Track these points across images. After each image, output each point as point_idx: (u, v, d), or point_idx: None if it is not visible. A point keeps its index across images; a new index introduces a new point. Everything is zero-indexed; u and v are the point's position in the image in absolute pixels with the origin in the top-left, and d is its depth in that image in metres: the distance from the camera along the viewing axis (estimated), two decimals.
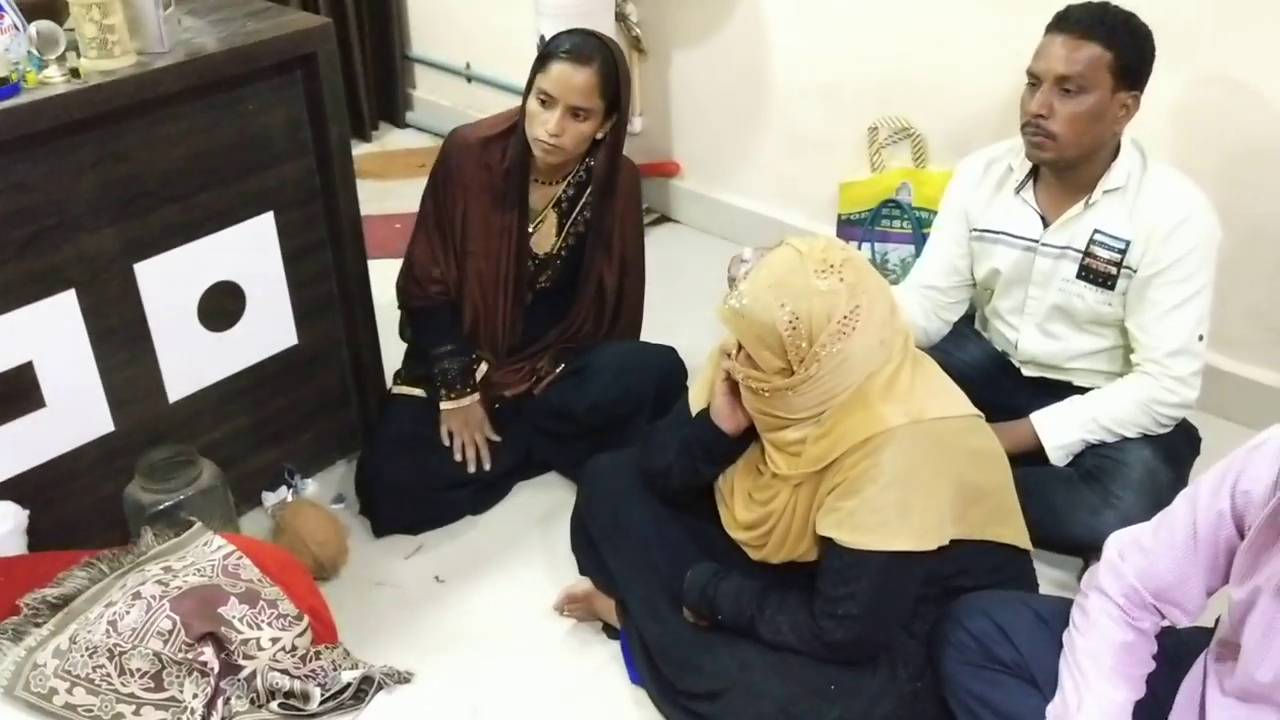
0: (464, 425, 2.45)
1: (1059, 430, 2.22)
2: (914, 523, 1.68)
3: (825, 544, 1.74)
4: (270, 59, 2.14)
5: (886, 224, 3.12)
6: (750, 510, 1.86)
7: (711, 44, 3.41)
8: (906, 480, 1.67)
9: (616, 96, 2.27)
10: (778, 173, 3.42)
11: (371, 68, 4.35)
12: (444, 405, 2.45)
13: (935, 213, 2.49)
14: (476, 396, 2.47)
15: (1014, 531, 1.89)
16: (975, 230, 2.33)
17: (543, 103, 2.23)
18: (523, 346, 2.55)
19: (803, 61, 3.22)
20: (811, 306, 1.66)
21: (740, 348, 1.75)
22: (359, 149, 4.36)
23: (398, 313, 2.58)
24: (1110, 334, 2.25)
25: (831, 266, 1.67)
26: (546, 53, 2.24)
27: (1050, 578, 2.20)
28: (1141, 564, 1.57)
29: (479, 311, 2.47)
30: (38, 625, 1.78)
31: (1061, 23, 2.08)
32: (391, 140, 4.44)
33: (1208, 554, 1.51)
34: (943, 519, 1.71)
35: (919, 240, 3.02)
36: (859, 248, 3.15)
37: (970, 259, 2.37)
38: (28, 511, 2.03)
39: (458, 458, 2.44)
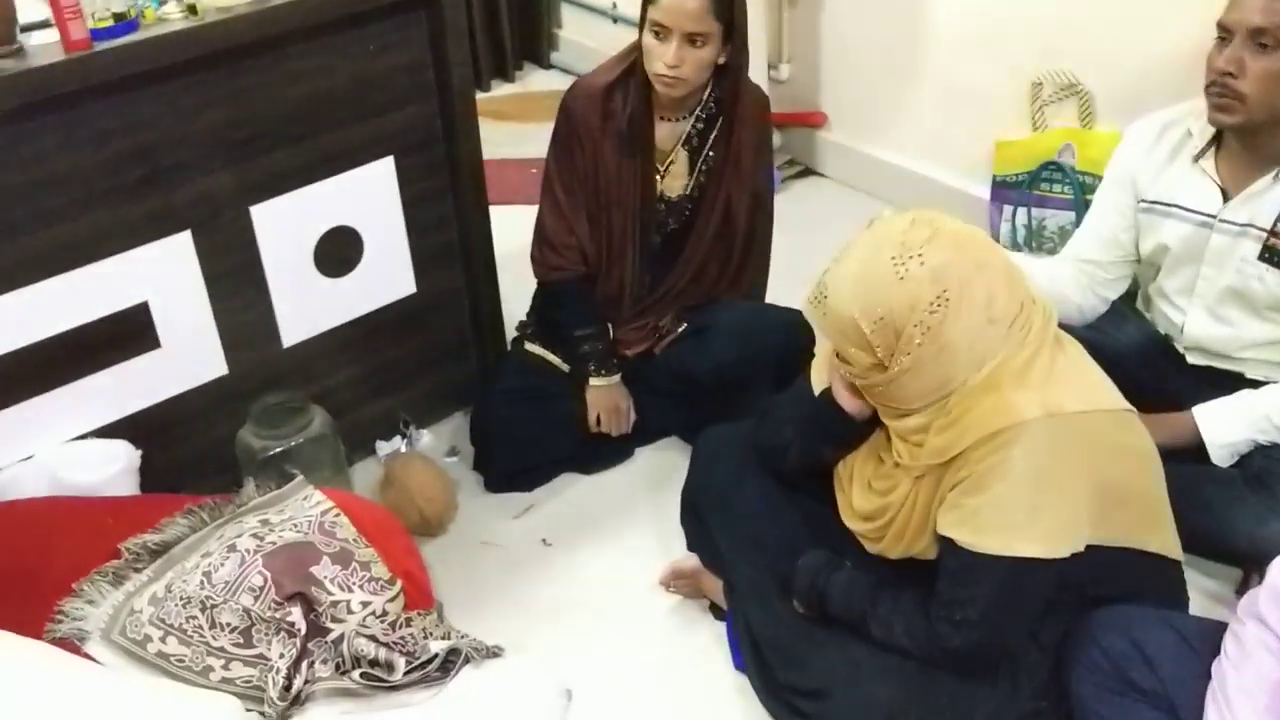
0: (612, 407, 2.39)
1: (1225, 427, 2.00)
2: (1043, 526, 1.53)
3: (946, 543, 1.60)
4: None
5: (1046, 188, 2.89)
6: (869, 500, 1.73)
7: None
8: (1038, 479, 1.52)
9: (731, 16, 2.14)
10: (929, 127, 3.22)
11: (516, 5, 4.26)
12: (593, 382, 2.38)
13: (1100, 178, 2.28)
14: (619, 376, 2.40)
15: (1162, 539, 1.71)
16: (1144, 201, 2.12)
17: (657, 35, 2.12)
18: (649, 295, 2.44)
19: (962, 9, 3.00)
20: (890, 298, 1.51)
21: None
22: (500, 89, 4.31)
23: (521, 262, 2.50)
24: None
25: (910, 252, 1.51)
26: None
27: (1203, 588, 2.00)
28: None
29: (608, 262, 2.38)
30: (137, 570, 1.78)
31: None
32: (534, 81, 4.37)
33: None
34: (1077, 523, 1.55)
35: (1080, 207, 2.79)
36: (1014, 212, 2.93)
37: (1135, 232, 2.16)
38: (140, 451, 2.04)
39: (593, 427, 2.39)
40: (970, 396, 1.54)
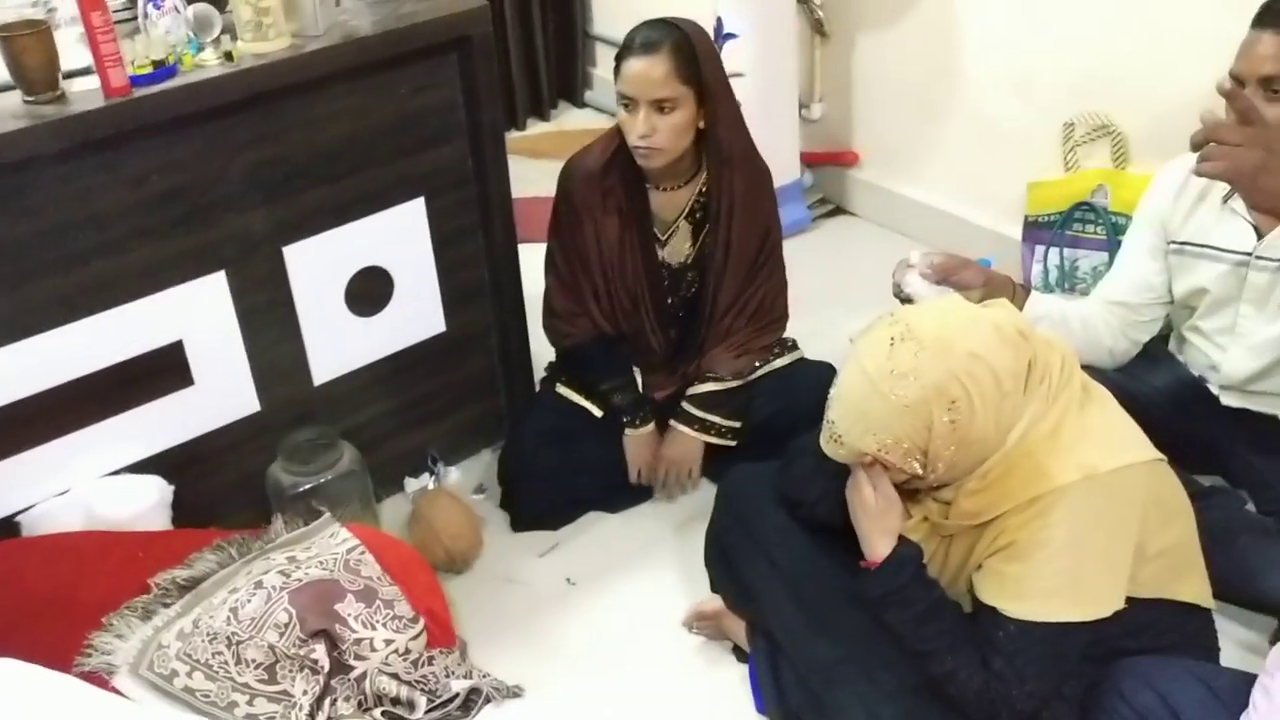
0: (650, 462, 2.40)
1: None
2: (1087, 591, 1.52)
3: (988, 610, 1.58)
4: (424, 42, 2.10)
5: (1078, 229, 2.88)
6: None
7: (898, 28, 3.22)
8: (1079, 544, 1.51)
9: (700, 76, 2.11)
10: (962, 168, 3.21)
11: (553, 45, 4.31)
12: (629, 432, 2.39)
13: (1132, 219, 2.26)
14: (652, 426, 2.40)
15: (1194, 588, 1.68)
16: (1174, 243, 2.10)
17: (626, 107, 2.12)
18: (675, 356, 2.45)
19: (995, 50, 3.00)
20: (904, 427, 1.51)
21: None
22: (536, 128, 4.35)
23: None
24: None
25: (905, 375, 1.50)
26: (618, 54, 2.13)
27: (1236, 638, 1.97)
28: None
29: (626, 328, 2.39)
30: (166, 605, 1.80)
31: (1268, 15, 1.86)
32: (569, 120, 4.41)
33: None
34: (1119, 583, 1.54)
35: (1114, 248, 2.77)
36: (1046, 253, 2.92)
37: (1168, 274, 2.14)
38: (173, 486, 2.07)
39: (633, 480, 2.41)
40: (1003, 462, 1.54)
